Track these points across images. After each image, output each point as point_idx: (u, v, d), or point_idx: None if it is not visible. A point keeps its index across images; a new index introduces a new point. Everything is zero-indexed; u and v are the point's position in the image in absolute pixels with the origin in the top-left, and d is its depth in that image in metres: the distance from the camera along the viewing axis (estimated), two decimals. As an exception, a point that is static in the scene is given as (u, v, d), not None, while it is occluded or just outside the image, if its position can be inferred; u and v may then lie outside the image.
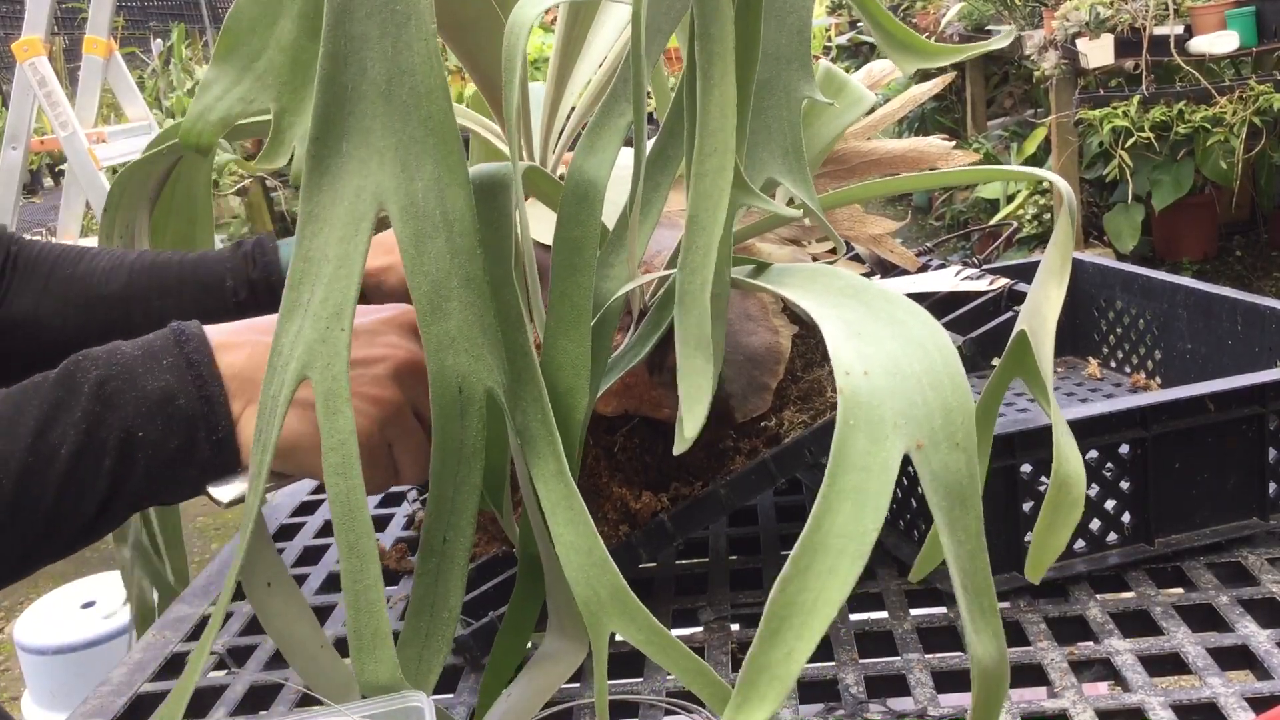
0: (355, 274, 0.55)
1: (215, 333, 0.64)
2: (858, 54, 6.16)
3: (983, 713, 0.50)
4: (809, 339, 0.85)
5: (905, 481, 0.86)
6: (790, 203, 0.76)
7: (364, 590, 0.54)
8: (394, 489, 1.17)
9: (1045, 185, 4.19)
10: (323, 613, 0.93)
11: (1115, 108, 3.67)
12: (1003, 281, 0.89)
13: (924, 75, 1.81)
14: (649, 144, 0.61)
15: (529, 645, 0.69)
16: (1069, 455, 0.59)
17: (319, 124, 0.55)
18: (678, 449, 0.54)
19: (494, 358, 0.57)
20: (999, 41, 0.77)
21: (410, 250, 0.55)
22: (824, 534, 0.45)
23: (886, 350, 0.50)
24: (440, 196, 0.55)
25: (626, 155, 0.64)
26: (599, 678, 0.56)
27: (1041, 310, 0.63)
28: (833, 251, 0.90)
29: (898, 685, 0.74)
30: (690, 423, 0.51)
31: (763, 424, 0.80)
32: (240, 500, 0.62)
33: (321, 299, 0.55)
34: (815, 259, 0.86)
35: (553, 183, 0.71)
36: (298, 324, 0.56)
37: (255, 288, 0.85)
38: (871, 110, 0.87)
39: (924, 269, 0.96)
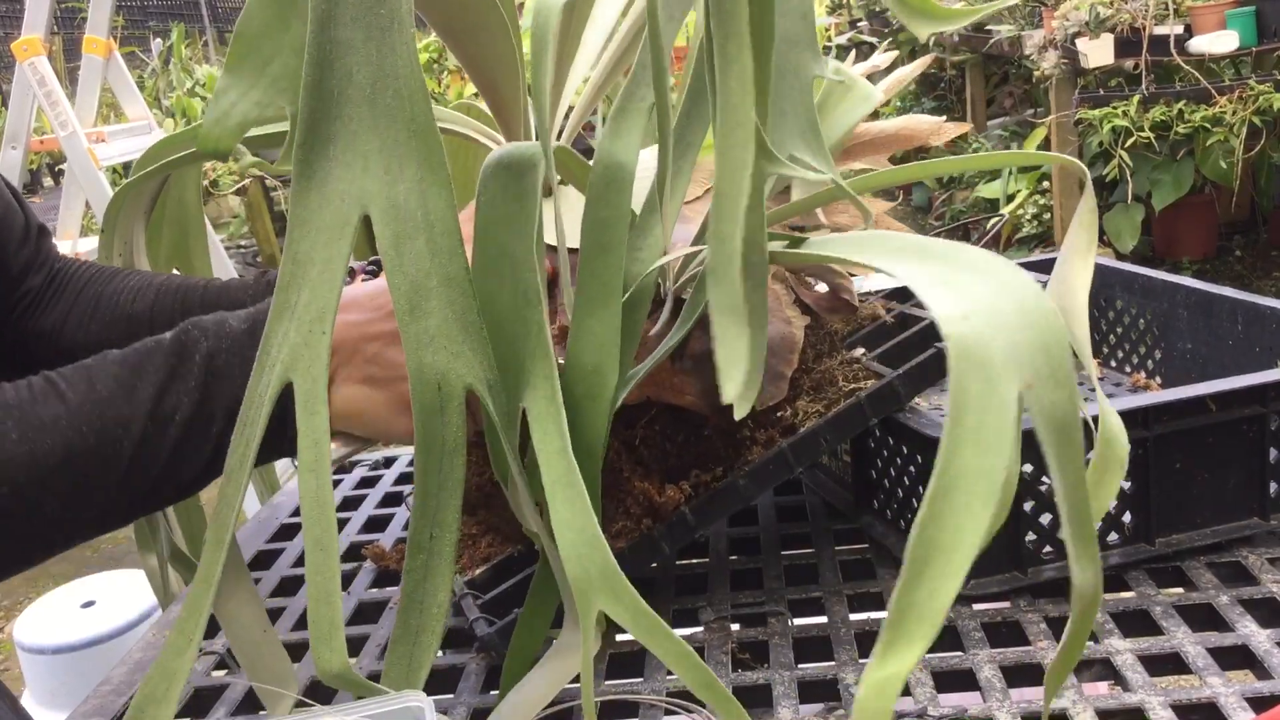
0: (338, 277, 0.57)
1: None
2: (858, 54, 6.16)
3: (1077, 635, 0.52)
4: (819, 330, 0.86)
5: (908, 482, 0.86)
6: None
7: (324, 582, 0.56)
8: (392, 489, 1.18)
9: (1045, 185, 4.19)
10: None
11: (1115, 107, 3.67)
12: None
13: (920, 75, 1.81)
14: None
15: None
16: (1107, 411, 0.61)
17: (306, 129, 0.56)
18: (714, 422, 0.53)
19: (475, 354, 0.57)
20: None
21: (390, 251, 0.56)
22: (953, 475, 0.44)
23: (978, 294, 0.49)
24: (422, 198, 0.56)
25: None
26: (585, 656, 0.56)
27: (1073, 285, 0.63)
28: None
29: (898, 685, 0.74)
30: (729, 386, 0.50)
31: (778, 414, 0.80)
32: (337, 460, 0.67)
33: (306, 302, 0.56)
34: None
35: (580, 163, 0.72)
36: (285, 326, 0.57)
37: None
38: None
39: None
